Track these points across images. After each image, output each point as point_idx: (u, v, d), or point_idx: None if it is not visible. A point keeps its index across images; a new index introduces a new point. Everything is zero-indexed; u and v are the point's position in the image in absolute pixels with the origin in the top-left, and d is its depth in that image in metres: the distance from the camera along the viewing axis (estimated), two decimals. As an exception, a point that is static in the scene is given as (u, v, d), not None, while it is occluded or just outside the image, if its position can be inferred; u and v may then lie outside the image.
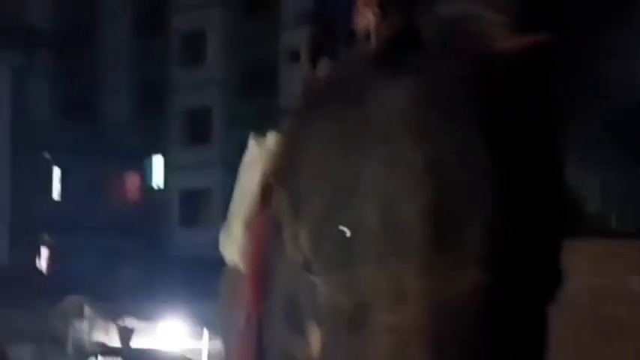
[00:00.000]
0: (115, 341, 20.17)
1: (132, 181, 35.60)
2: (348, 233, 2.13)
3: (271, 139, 3.27)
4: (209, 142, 31.36)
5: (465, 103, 2.19)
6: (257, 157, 3.30)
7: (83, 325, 20.44)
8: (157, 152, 35.13)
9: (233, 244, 3.25)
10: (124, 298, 21.03)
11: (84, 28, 36.12)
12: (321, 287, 2.19)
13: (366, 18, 2.70)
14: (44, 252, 32.75)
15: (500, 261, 2.08)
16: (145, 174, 35.69)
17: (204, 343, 18.82)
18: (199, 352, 19.13)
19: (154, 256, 32.07)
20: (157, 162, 35.70)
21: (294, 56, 31.02)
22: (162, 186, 35.56)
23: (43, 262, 32.61)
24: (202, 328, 18.80)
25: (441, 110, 2.17)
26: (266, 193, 3.14)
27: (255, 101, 31.45)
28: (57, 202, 33.95)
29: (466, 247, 2.06)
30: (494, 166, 2.16)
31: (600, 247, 6.73)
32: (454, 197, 2.10)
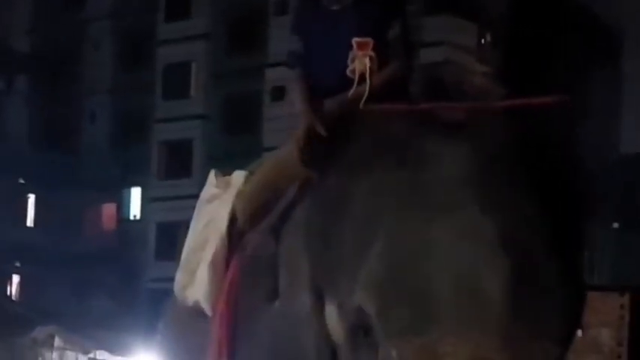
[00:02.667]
0: (84, 373, 19.97)
1: (108, 211, 35.43)
2: (424, 298, 2.09)
3: (238, 177, 3.23)
4: (189, 176, 31.27)
5: (523, 171, 2.17)
6: (217, 194, 3.24)
7: (53, 356, 20.24)
8: (135, 184, 35.00)
9: (198, 285, 3.18)
10: (96, 329, 20.85)
11: (66, 56, 36.06)
12: (391, 352, 2.13)
13: (361, 63, 2.73)
14: (15, 280, 32.47)
15: (571, 332, 2.11)
16: (122, 205, 35.53)
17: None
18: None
19: (128, 288, 31.85)
20: (135, 193, 35.56)
21: (279, 93, 31.09)
22: (138, 217, 35.40)
23: (14, 291, 32.33)
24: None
25: (504, 178, 2.15)
26: (236, 235, 3.09)
27: (237, 136, 31.44)
28: (31, 229, 33.72)
29: (542, 320, 2.06)
30: (556, 234, 2.15)
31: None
32: (531, 270, 2.08)
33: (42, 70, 36.13)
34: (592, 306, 7.13)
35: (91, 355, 20.06)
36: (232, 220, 3.08)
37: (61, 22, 35.93)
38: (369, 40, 2.74)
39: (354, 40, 2.73)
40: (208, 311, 3.11)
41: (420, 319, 2.09)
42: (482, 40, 30.23)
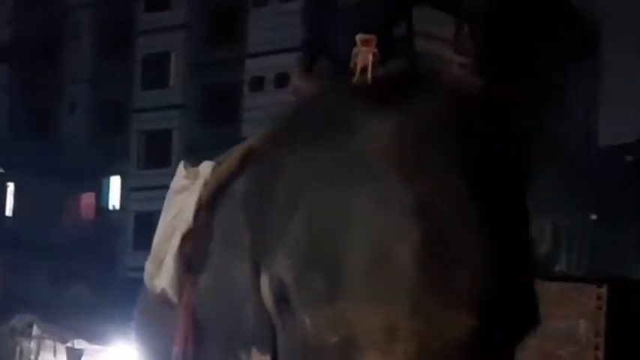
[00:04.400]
0: (62, 362, 19.94)
1: (87, 200, 35.35)
2: (337, 267, 2.11)
3: (206, 168, 3.26)
4: (168, 166, 31.23)
5: (450, 146, 2.21)
6: (186, 185, 3.28)
7: (31, 345, 20.20)
8: (114, 173, 34.93)
9: (165, 274, 3.22)
10: (75, 318, 20.81)
11: (46, 45, 35.93)
12: (304, 320, 2.16)
13: (364, 57, 2.77)
14: (-6, 268, 32.38)
15: (485, 304, 2.10)
16: (102, 194, 35.46)
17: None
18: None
19: (106, 278, 31.81)
20: (115, 183, 35.49)
21: (258, 84, 31.07)
22: (117, 207, 35.35)
23: (-8, 279, 32.23)
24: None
25: (428, 151, 2.19)
26: (201, 223, 3.12)
27: (216, 127, 31.41)
28: (9, 218, 33.59)
29: (455, 290, 2.08)
30: (479, 209, 2.18)
31: (552, 291, 6.82)
32: (444, 239, 2.11)
33: (22, 59, 35.98)
34: (569, 297, 7.20)
35: (69, 344, 20.03)
36: (199, 209, 3.11)
37: (42, 12, 35.78)
38: (373, 37, 2.77)
39: (358, 36, 2.76)
40: (174, 299, 3.14)
41: (332, 289, 2.11)
42: (459, 32, 30.29)
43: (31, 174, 32.23)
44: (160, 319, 3.24)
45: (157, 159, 32.80)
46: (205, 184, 3.10)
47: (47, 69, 35.90)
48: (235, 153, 3.04)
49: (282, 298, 2.20)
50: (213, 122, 32.21)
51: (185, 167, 3.30)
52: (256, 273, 2.38)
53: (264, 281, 2.34)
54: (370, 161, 2.14)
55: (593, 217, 33.90)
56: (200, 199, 3.06)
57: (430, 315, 2.06)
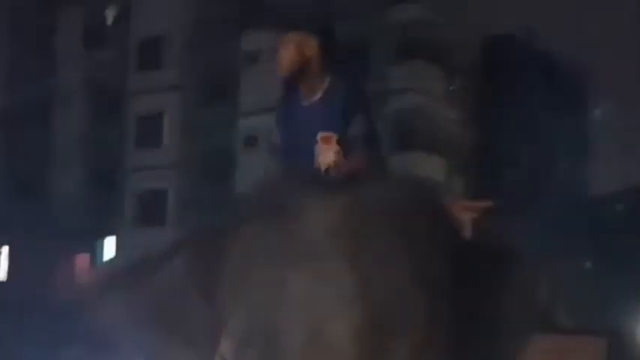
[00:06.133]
0: None
1: (82, 261, 35.25)
2: (275, 345, 2.15)
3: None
4: (163, 225, 31.23)
5: (390, 230, 2.27)
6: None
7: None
8: (109, 233, 34.89)
9: None
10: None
11: (38, 106, 36.07)
12: None
13: (326, 156, 2.88)
14: (-10, 332, 32.16)
15: None
16: (96, 255, 35.37)
17: None
18: None
19: (103, 340, 31.58)
20: (109, 243, 35.43)
21: (251, 142, 31.18)
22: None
23: (-12, 343, 31.99)
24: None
25: (368, 234, 2.24)
26: None
27: (211, 186, 31.46)
28: (2, 282, 33.45)
29: None
30: (418, 288, 2.21)
31: (548, 343, 6.81)
32: (382, 319, 2.14)
33: (15, 121, 36.09)
34: (568, 349, 7.18)
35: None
36: None
37: (35, 76, 35.98)
38: (333, 135, 2.90)
39: (319, 135, 2.90)
40: None
41: None
42: (451, 87, 30.50)
43: (26, 236, 32.17)
44: None
45: (151, 218, 32.79)
46: None
47: (40, 130, 36.00)
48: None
49: None
50: (208, 181, 32.26)
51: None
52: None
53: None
54: (311, 243, 2.19)
55: (588, 264, 33.92)
56: None
57: None
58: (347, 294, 2.11)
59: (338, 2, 28.56)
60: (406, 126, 28.86)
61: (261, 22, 28.26)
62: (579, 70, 38.21)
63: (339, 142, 2.94)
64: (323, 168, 2.80)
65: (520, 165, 32.49)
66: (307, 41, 3.40)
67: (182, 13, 34.00)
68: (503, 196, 25.47)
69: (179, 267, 2.71)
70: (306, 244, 2.24)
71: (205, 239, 2.56)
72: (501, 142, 31.44)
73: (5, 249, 33.74)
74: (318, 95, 3.27)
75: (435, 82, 31.01)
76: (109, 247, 35.42)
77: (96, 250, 35.32)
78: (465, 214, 2.50)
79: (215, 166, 32.61)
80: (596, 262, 33.71)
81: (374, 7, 31.43)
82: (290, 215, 2.33)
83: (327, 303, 2.12)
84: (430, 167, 27.30)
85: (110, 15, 35.71)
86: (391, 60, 31.18)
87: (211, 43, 33.47)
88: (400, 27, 31.24)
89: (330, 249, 2.19)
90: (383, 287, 2.15)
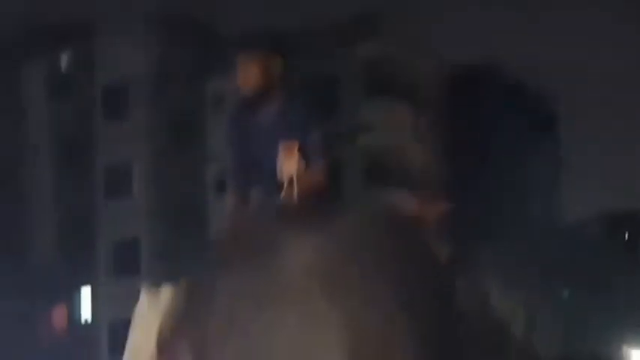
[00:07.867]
0: None
1: (59, 314, 34.96)
2: None
3: (166, 293, 3.34)
4: (138, 274, 31.06)
5: (374, 263, 2.30)
6: (149, 310, 3.35)
7: None
8: (84, 284, 34.67)
9: None
10: None
11: (6, 163, 35.93)
12: None
13: (289, 165, 2.92)
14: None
15: None
16: (73, 306, 35.10)
17: None
18: None
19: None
20: (85, 293, 35.19)
21: (221, 187, 31.16)
22: (89, 318, 34.98)
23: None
24: None
25: (351, 268, 2.27)
26: (164, 351, 3.20)
27: (184, 233, 31.38)
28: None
29: None
30: (405, 321, 2.25)
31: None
32: (370, 353, 2.17)
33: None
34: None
35: None
36: (160, 333, 3.20)
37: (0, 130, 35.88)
38: (294, 143, 2.95)
39: (281, 145, 2.93)
40: None
41: None
42: (417, 119, 30.66)
43: (2, 292, 31.92)
44: None
45: (126, 267, 32.62)
46: (165, 311, 3.19)
47: (9, 185, 35.83)
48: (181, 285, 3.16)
49: None
50: (181, 228, 32.18)
51: (147, 292, 3.40)
52: None
53: None
54: (294, 280, 2.21)
55: (566, 293, 33.99)
56: (160, 326, 3.14)
57: None
58: (333, 334, 2.13)
59: (306, 39, 28.76)
60: (375, 162, 29.00)
61: (225, 66, 28.33)
62: (546, 96, 38.48)
63: (299, 150, 3.01)
64: (286, 177, 2.85)
65: (492, 196, 32.59)
66: (272, 59, 3.50)
67: (146, 61, 34.02)
68: (476, 228, 25.49)
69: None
70: (289, 282, 2.25)
71: (187, 294, 2.58)
72: (471, 173, 31.57)
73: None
74: (277, 108, 3.36)
75: (403, 117, 31.16)
76: (86, 298, 35.18)
77: (73, 302, 35.06)
78: (423, 211, 2.58)
79: (187, 213, 32.56)
80: (572, 289, 33.78)
81: (341, 44, 31.63)
82: (271, 252, 2.35)
83: (315, 340, 2.14)
84: (400, 202, 27.30)
85: (65, 61, 35.62)
86: (359, 96, 31.34)
87: (176, 90, 33.54)
88: (367, 63, 31.43)
89: (313, 285, 2.21)
90: (369, 323, 2.18)
